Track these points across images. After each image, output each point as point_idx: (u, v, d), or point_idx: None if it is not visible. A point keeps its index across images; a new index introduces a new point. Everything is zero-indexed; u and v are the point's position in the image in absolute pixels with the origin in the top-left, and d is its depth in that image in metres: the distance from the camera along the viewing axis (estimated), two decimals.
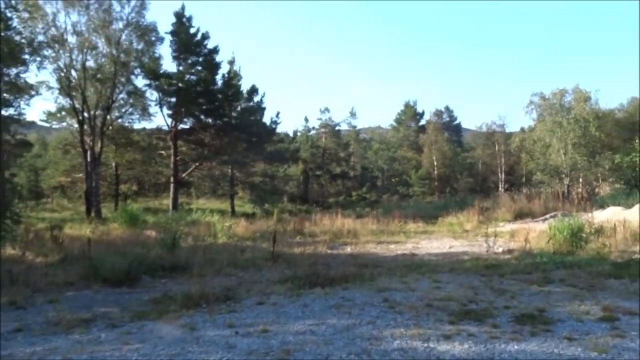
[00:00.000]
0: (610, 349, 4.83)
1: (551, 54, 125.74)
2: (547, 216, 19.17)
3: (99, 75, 26.20)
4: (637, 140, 31.24)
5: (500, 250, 12.16)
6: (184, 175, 30.14)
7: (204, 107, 28.15)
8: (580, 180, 30.64)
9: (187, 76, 27.98)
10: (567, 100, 30.16)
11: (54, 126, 33.42)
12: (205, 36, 28.62)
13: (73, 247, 12.96)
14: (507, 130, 48.53)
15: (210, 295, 7.54)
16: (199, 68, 28.83)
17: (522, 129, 42.90)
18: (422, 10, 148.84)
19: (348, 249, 14.29)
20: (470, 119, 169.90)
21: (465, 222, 19.41)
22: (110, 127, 28.55)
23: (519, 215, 20.72)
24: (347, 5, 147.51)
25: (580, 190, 28.61)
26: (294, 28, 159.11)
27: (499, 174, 46.44)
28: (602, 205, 20.46)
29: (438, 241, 15.34)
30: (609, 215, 16.97)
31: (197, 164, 30.37)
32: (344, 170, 50.16)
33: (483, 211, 21.12)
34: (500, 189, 43.21)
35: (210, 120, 29.75)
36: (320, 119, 51.49)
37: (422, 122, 55.73)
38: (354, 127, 55.02)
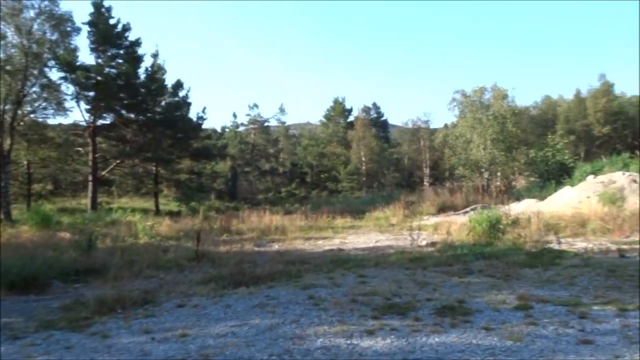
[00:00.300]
0: (525, 337, 4.98)
1: (473, 52, 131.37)
2: (468, 209, 19.92)
3: (8, 67, 24.34)
4: (549, 136, 33.30)
5: (424, 243, 12.45)
6: (103, 173, 28.72)
7: (125, 101, 26.88)
8: (499, 174, 32.18)
9: (107, 69, 26.60)
10: (486, 98, 31.51)
11: None
12: (126, 28, 27.33)
13: None
14: (432, 127, 50.24)
15: (126, 300, 7.13)
16: (120, 61, 27.51)
17: (446, 125, 44.56)
18: (349, 7, 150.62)
19: (275, 246, 14.12)
20: (397, 116, 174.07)
21: (392, 216, 19.79)
22: (22, 123, 26.63)
23: (442, 209, 21.41)
24: (274, 4, 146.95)
25: (498, 183, 30.00)
26: (221, 23, 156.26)
27: (424, 169, 47.93)
28: (518, 198, 21.55)
29: (365, 236, 15.51)
30: (524, 207, 17.88)
31: (118, 161, 29.02)
32: (273, 166, 49.97)
33: (408, 205, 21.64)
34: (425, 183, 44.62)
35: (132, 116, 28.46)
36: (249, 114, 51.04)
37: (351, 118, 56.42)
38: (283, 123, 54.92)
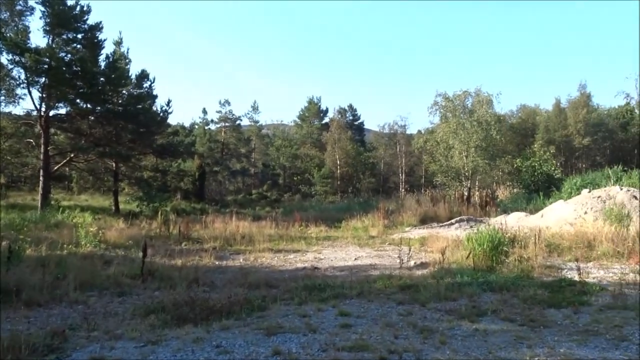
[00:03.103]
0: None
1: (448, 56, 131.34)
2: (453, 221, 18.38)
3: None
4: (534, 145, 32.10)
5: (413, 263, 10.71)
6: (57, 167, 26.26)
7: (82, 90, 24.36)
8: (477, 183, 30.79)
9: (61, 53, 24.14)
10: (468, 103, 30.03)
11: None
12: (85, 10, 24.91)
13: None
14: (408, 132, 49.05)
15: (21, 347, 5.13)
16: (77, 46, 25.14)
17: (419, 131, 43.29)
18: (325, 7, 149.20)
19: (240, 260, 12.24)
20: (373, 119, 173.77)
21: (371, 226, 18.08)
22: None
23: (424, 220, 19.80)
24: (249, 3, 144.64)
25: (481, 193, 28.54)
26: (193, 20, 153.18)
27: (400, 175, 46.50)
28: (506, 210, 20.08)
29: (342, 250, 13.71)
30: (514, 221, 16.37)
31: (71, 155, 26.55)
32: (244, 166, 47.89)
33: (388, 214, 19.97)
34: (401, 189, 43.17)
35: (89, 106, 26.00)
36: (220, 111, 48.77)
37: (326, 120, 54.70)
38: (256, 122, 52.85)
